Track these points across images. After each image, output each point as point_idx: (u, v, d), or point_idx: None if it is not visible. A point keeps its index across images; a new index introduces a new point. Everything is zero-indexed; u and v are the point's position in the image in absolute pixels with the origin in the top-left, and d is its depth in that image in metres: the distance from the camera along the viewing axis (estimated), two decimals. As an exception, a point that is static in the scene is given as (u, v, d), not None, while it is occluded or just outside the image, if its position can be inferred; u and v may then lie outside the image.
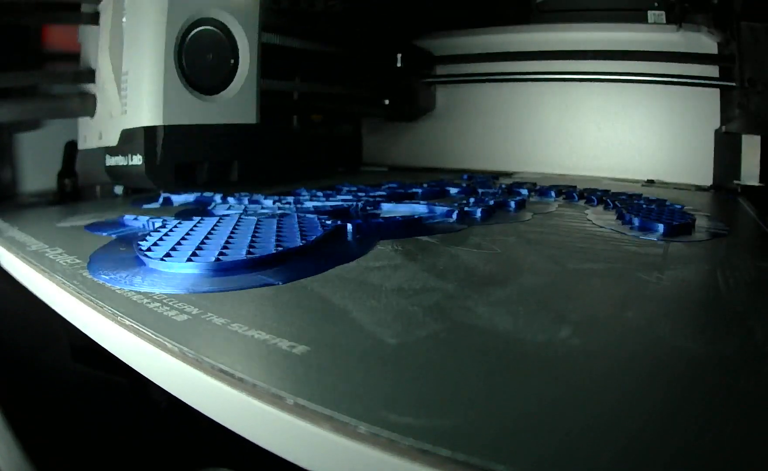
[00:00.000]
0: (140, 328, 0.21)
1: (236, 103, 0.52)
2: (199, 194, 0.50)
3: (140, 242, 0.30)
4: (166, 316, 0.22)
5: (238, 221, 0.35)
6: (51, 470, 0.33)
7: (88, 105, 0.52)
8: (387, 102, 0.84)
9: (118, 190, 0.64)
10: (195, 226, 0.34)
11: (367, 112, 0.89)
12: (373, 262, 0.28)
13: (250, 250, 0.29)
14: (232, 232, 0.32)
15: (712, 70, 0.71)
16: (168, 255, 0.28)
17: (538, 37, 0.78)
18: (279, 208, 0.42)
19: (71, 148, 0.62)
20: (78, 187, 0.63)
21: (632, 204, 0.41)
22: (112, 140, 0.51)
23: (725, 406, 0.15)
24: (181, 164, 0.51)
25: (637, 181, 0.72)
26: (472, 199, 0.46)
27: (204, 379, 0.18)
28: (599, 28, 0.76)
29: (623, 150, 0.77)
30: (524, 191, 0.53)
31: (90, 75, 0.53)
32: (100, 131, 0.52)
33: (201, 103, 0.50)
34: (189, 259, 0.27)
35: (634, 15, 0.72)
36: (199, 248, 0.29)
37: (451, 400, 0.15)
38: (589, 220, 0.41)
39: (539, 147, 0.82)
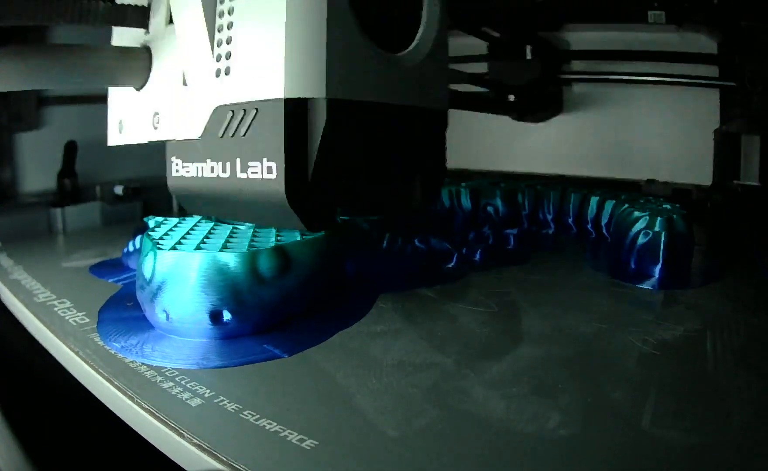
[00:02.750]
0: (158, 414, 0.23)
1: (421, 76, 0.30)
2: None
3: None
4: (180, 398, 0.24)
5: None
6: (51, 470, 0.34)
7: (132, 67, 0.30)
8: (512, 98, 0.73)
9: (118, 190, 0.65)
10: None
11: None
12: (374, 326, 0.30)
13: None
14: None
15: (712, 70, 0.71)
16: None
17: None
18: None
19: (71, 148, 0.63)
20: (78, 187, 0.63)
21: (626, 241, 0.42)
22: (191, 129, 0.28)
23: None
24: (352, 174, 0.29)
25: (637, 181, 0.73)
26: (471, 234, 0.47)
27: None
28: (599, 28, 0.75)
29: (623, 150, 0.77)
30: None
31: (138, 13, 0.31)
32: (156, 112, 0.30)
33: (380, 65, 0.27)
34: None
35: (634, 15, 0.71)
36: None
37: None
38: (586, 259, 0.43)
39: (537, 147, 0.83)
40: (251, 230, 0.32)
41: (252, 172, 0.26)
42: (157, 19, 0.30)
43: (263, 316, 0.29)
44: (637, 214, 0.40)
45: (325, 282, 0.32)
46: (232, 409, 0.23)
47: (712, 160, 0.72)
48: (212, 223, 0.33)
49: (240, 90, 0.26)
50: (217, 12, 0.27)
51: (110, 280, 0.38)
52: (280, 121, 0.24)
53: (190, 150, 0.29)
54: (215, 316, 0.28)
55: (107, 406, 0.26)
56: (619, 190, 0.72)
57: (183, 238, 0.31)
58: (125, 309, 0.33)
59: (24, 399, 0.36)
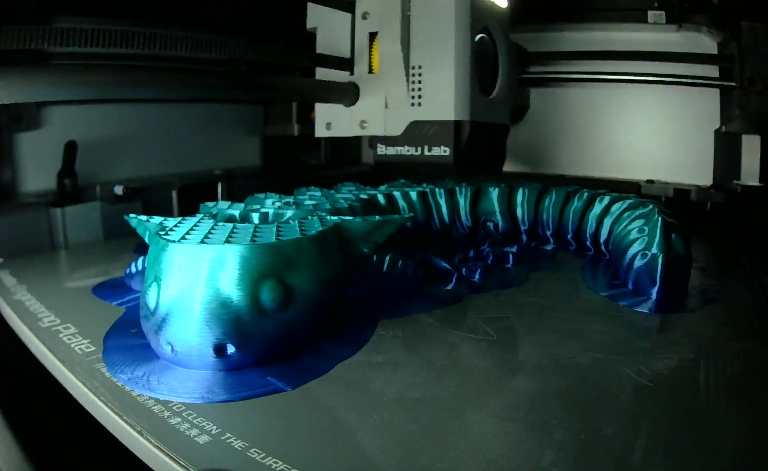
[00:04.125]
0: (167, 451, 0.23)
1: (498, 105, 0.56)
2: None
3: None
4: (188, 435, 0.24)
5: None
6: (51, 470, 0.34)
7: (349, 94, 0.53)
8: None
9: (118, 190, 0.65)
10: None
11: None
12: (374, 356, 0.30)
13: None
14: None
15: (712, 70, 0.71)
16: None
17: (536, 37, 0.78)
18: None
19: (71, 148, 0.63)
20: (78, 187, 0.63)
21: (624, 262, 0.42)
22: (395, 130, 0.53)
23: None
24: (475, 156, 0.55)
25: (637, 181, 0.73)
26: (471, 252, 0.48)
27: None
28: (599, 28, 0.75)
29: (623, 150, 0.77)
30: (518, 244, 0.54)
31: (347, 64, 0.54)
32: (361, 120, 0.54)
33: (484, 102, 0.54)
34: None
35: (634, 15, 0.71)
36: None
37: None
38: (584, 279, 0.43)
39: (537, 147, 0.83)
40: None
41: (435, 152, 0.52)
42: (359, 68, 0.53)
43: (266, 349, 0.29)
44: (634, 234, 0.41)
45: (327, 311, 0.33)
46: (239, 446, 0.23)
47: (712, 160, 0.73)
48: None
49: (426, 113, 0.51)
50: (411, 71, 0.51)
51: (113, 303, 0.39)
52: (451, 129, 0.51)
53: (391, 141, 0.54)
54: (219, 350, 0.28)
55: (117, 438, 0.26)
56: (619, 191, 0.74)
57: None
58: (130, 336, 0.33)
59: (24, 399, 0.37)
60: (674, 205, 0.72)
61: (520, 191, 0.56)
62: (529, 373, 0.29)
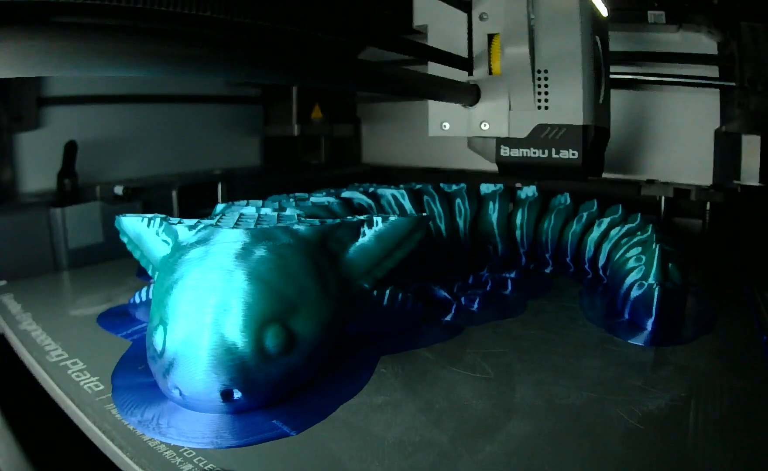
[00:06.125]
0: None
1: (605, 109, 0.56)
2: None
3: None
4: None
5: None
6: (51, 470, 0.35)
7: (470, 94, 0.52)
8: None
9: (118, 190, 0.66)
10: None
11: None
12: (375, 397, 0.31)
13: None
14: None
15: (712, 70, 0.71)
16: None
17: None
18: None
19: (71, 148, 0.63)
20: (78, 187, 0.63)
21: (621, 291, 0.43)
22: (519, 133, 0.52)
23: None
24: (594, 160, 0.54)
25: (637, 181, 0.73)
26: (471, 278, 0.48)
27: None
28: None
29: (623, 150, 0.77)
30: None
31: (465, 63, 0.53)
32: (482, 121, 0.53)
33: (598, 107, 0.53)
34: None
35: (634, 15, 0.70)
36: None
37: None
38: (581, 307, 0.45)
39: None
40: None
41: (563, 155, 0.50)
42: (479, 70, 0.52)
43: (271, 392, 0.30)
44: (632, 263, 0.41)
45: (330, 351, 0.34)
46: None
47: (712, 160, 0.73)
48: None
49: (554, 117, 0.51)
50: (537, 76, 0.50)
51: (119, 335, 0.40)
52: (579, 133, 0.50)
53: (515, 143, 0.52)
54: (226, 395, 0.29)
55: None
56: (618, 190, 0.74)
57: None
58: (137, 373, 0.34)
59: (24, 399, 0.37)
60: (675, 204, 0.73)
61: (519, 213, 0.56)
62: (524, 415, 0.30)
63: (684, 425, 0.28)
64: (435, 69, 0.51)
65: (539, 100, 0.51)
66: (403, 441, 0.28)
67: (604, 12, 0.54)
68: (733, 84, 0.68)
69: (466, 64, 0.52)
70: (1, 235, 0.56)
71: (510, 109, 0.52)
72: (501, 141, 0.53)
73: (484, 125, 0.53)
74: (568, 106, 0.49)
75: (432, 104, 0.55)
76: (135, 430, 0.29)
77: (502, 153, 0.53)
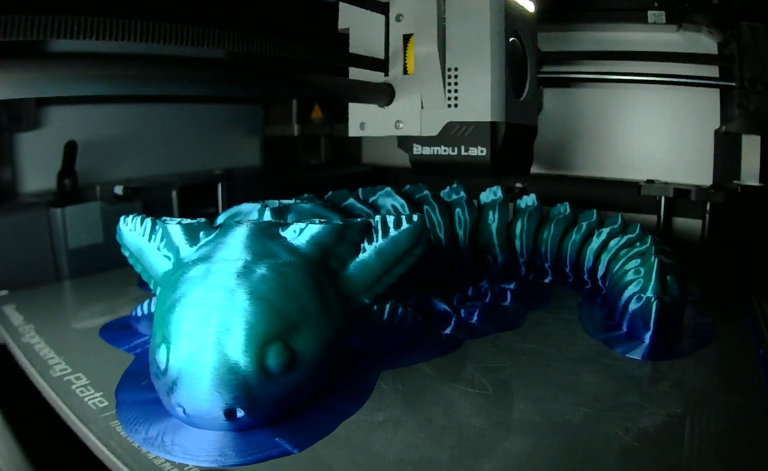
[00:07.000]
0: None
1: (528, 106, 0.57)
2: None
3: None
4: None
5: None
6: (51, 470, 0.35)
7: (384, 94, 0.53)
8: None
9: (118, 190, 0.66)
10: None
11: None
12: (376, 414, 0.32)
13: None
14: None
15: (712, 70, 0.71)
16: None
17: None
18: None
19: (71, 148, 0.63)
20: (78, 187, 0.64)
21: (620, 303, 0.43)
22: (431, 131, 0.52)
23: None
24: (508, 157, 0.55)
25: (637, 181, 0.74)
26: (470, 290, 0.49)
27: None
28: (599, 29, 0.75)
29: (623, 150, 0.77)
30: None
31: (382, 65, 0.54)
32: (396, 121, 0.54)
33: (516, 104, 0.54)
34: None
35: (634, 15, 0.70)
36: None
37: None
38: (580, 322, 0.45)
39: (537, 147, 0.83)
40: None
41: (471, 152, 0.51)
42: (394, 70, 0.53)
43: (274, 410, 0.31)
44: (630, 275, 0.41)
45: (331, 367, 0.34)
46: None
47: (712, 160, 0.73)
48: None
49: (463, 114, 0.51)
50: (447, 74, 0.51)
51: (122, 349, 0.40)
52: (488, 130, 0.50)
53: (427, 141, 0.53)
54: (229, 414, 0.29)
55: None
56: (619, 191, 0.75)
57: None
58: (141, 389, 0.34)
59: (24, 400, 0.38)
60: (675, 204, 0.73)
61: (519, 223, 0.57)
62: (522, 432, 0.30)
63: (679, 443, 0.29)
64: (355, 71, 0.53)
65: (449, 98, 0.51)
66: (403, 459, 0.28)
67: (530, 7, 0.54)
68: (733, 84, 0.68)
69: (381, 65, 0.53)
70: (1, 235, 0.56)
71: (422, 108, 0.52)
72: (413, 140, 0.54)
73: (400, 124, 0.53)
74: (476, 103, 0.50)
75: (352, 106, 0.56)
76: (140, 447, 0.30)
77: (414, 151, 0.55)
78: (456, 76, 0.50)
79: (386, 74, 0.53)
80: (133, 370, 0.37)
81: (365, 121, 0.56)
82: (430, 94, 0.52)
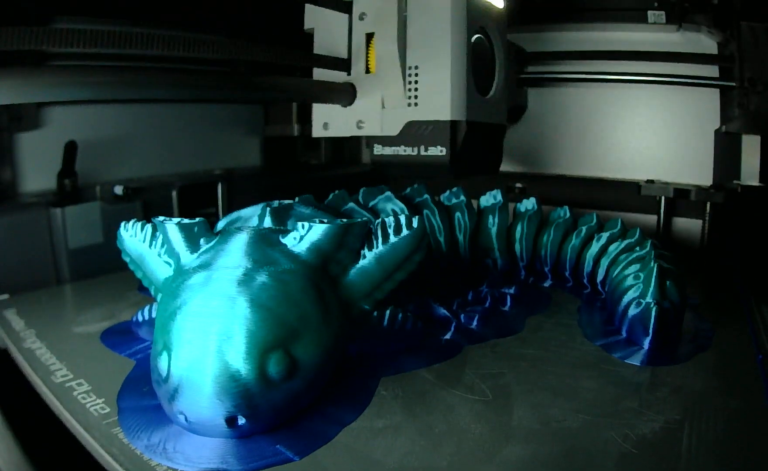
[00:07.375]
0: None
1: (495, 105, 0.56)
2: None
3: None
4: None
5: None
6: (51, 470, 0.36)
7: (346, 94, 0.52)
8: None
9: (118, 190, 0.66)
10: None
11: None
12: (376, 421, 0.32)
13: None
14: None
15: (712, 70, 0.71)
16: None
17: (536, 37, 0.77)
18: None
19: (71, 148, 0.63)
20: (78, 187, 0.64)
21: (619, 309, 0.43)
22: (391, 130, 0.52)
23: None
24: (471, 156, 0.54)
25: (637, 181, 0.74)
26: (470, 295, 0.49)
27: None
28: (599, 28, 0.74)
29: (623, 150, 0.77)
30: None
31: (344, 64, 0.53)
32: (358, 121, 0.53)
33: (481, 102, 0.53)
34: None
35: (634, 15, 0.70)
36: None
37: None
38: (579, 327, 0.45)
39: (537, 147, 0.83)
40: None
41: (431, 151, 0.51)
42: (356, 69, 0.53)
43: (275, 418, 0.31)
44: (630, 281, 0.41)
45: (331, 374, 0.34)
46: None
47: (712, 160, 0.73)
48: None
49: (423, 113, 0.51)
50: (407, 72, 0.50)
51: (123, 354, 0.40)
52: (447, 129, 0.50)
53: (388, 140, 0.53)
54: (231, 421, 0.30)
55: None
56: (619, 191, 0.75)
57: None
58: (142, 395, 0.34)
59: (26, 405, 0.38)
60: (675, 204, 0.73)
61: (519, 227, 0.57)
62: (521, 439, 0.30)
63: (677, 449, 0.29)
64: (319, 71, 0.53)
65: (410, 97, 0.50)
66: (403, 466, 0.28)
67: (498, 3, 0.54)
68: (733, 84, 0.68)
69: (342, 64, 0.52)
70: (0, 235, 0.56)
71: (383, 107, 0.52)
72: (375, 139, 0.54)
73: (361, 124, 0.53)
74: (436, 102, 0.49)
75: (316, 106, 0.56)
76: (142, 455, 0.30)
77: (375, 151, 0.54)
78: (416, 75, 0.50)
79: (349, 74, 0.53)
80: (134, 376, 0.37)
81: (328, 121, 0.56)
82: (391, 93, 0.51)
